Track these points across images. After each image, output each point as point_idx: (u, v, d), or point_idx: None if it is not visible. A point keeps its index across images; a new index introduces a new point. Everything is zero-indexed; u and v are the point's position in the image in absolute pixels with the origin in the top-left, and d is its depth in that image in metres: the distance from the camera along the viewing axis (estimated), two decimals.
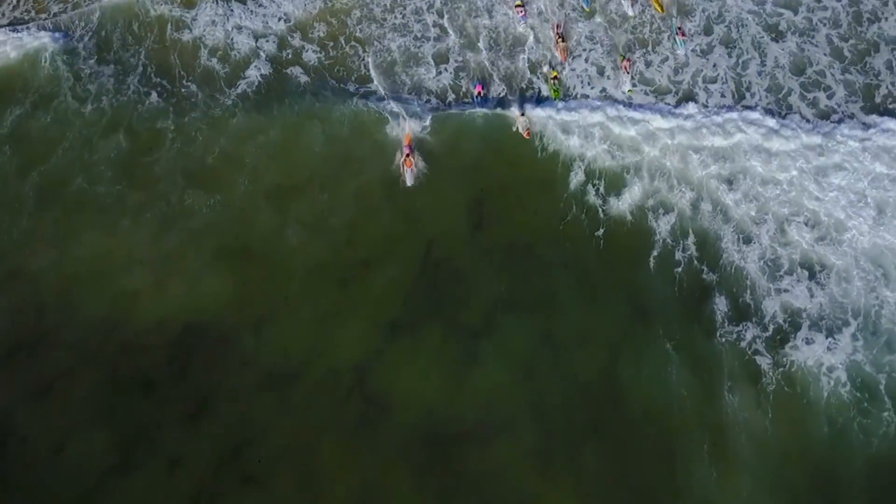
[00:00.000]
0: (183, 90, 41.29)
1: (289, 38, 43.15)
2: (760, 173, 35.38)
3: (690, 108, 37.71)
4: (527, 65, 40.60)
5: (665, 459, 29.51)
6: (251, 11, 44.33)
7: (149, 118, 40.21)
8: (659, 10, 41.28)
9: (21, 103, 40.98)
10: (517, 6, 41.99)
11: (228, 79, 41.68)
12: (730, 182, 35.40)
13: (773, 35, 40.47)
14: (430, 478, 29.70)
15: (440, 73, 40.91)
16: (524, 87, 39.91)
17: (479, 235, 34.80)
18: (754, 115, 37.23)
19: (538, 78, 40.07)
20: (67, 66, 42.64)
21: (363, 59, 41.95)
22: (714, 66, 39.65)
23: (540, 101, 39.03)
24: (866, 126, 36.39)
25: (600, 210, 35.07)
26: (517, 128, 37.17)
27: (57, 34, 43.78)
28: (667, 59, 40.14)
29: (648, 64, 40.22)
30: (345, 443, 30.75)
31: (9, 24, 44.90)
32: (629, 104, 38.15)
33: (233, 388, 32.25)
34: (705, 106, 37.90)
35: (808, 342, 31.01)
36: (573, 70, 40.13)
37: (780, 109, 37.71)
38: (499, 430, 30.40)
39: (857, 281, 32.22)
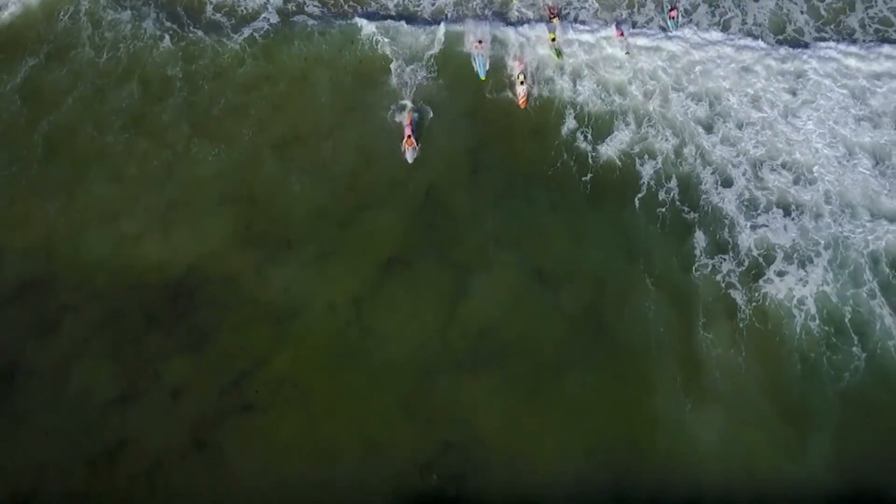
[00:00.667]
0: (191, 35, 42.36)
1: None
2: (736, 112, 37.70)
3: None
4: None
5: (644, 391, 31.10)
6: None
7: (161, 63, 41.37)
8: None
9: (36, 54, 41.98)
10: None
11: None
12: (709, 126, 37.42)
13: None
14: (422, 404, 31.16)
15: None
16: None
17: (476, 179, 36.37)
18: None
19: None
20: (88, 15, 43.51)
21: None
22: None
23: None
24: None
25: (590, 156, 36.77)
26: (516, 89, 38.57)
27: None
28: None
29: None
30: (341, 373, 32.14)
31: None
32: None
33: (234, 323, 33.55)
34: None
35: (781, 274, 32.72)
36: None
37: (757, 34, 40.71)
38: (488, 360, 31.92)
39: (827, 216, 34.13)
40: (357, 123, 38.61)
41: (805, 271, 32.71)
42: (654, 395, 30.90)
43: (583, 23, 41.95)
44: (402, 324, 32.73)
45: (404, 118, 37.92)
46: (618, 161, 36.75)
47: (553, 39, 40.57)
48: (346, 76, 40.20)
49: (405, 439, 30.57)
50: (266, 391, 31.97)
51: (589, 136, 37.35)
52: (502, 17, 42.73)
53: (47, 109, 40.16)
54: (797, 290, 32.13)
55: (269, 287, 34.35)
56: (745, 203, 34.81)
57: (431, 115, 38.71)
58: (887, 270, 32.86)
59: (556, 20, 41.66)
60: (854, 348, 31.24)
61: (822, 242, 33.45)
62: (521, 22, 42.30)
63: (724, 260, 33.53)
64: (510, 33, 41.35)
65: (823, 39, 40.41)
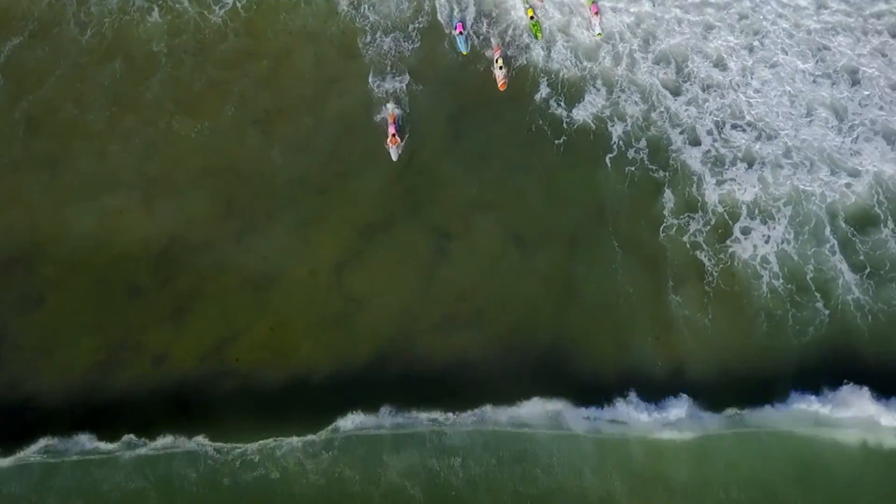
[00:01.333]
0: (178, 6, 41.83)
1: None
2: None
3: None
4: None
5: (615, 349, 32.34)
6: None
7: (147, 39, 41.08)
8: None
9: (20, 32, 41.52)
10: None
11: None
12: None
13: None
14: (399, 361, 32.13)
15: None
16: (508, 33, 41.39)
17: (457, 145, 37.11)
18: None
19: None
20: None
21: None
22: None
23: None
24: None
25: (563, 120, 37.62)
26: (494, 72, 39.13)
27: None
28: None
29: None
30: (322, 337, 32.90)
31: None
32: None
33: (214, 291, 34.15)
34: None
35: (745, 232, 33.88)
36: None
37: None
38: (466, 321, 32.83)
39: (787, 170, 35.46)
40: (339, 94, 39.06)
41: (768, 227, 33.91)
42: (627, 354, 32.10)
43: None
44: (383, 288, 33.48)
45: (387, 116, 38.10)
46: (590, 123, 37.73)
47: (532, 17, 41.19)
48: (330, 49, 40.45)
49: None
50: (247, 357, 32.63)
51: (562, 102, 38.16)
52: None
53: (30, 88, 40.16)
54: (761, 249, 33.24)
55: (249, 255, 34.89)
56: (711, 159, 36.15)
57: (414, 84, 39.12)
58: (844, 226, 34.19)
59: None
60: (817, 304, 32.49)
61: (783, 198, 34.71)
62: None
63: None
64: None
65: None
